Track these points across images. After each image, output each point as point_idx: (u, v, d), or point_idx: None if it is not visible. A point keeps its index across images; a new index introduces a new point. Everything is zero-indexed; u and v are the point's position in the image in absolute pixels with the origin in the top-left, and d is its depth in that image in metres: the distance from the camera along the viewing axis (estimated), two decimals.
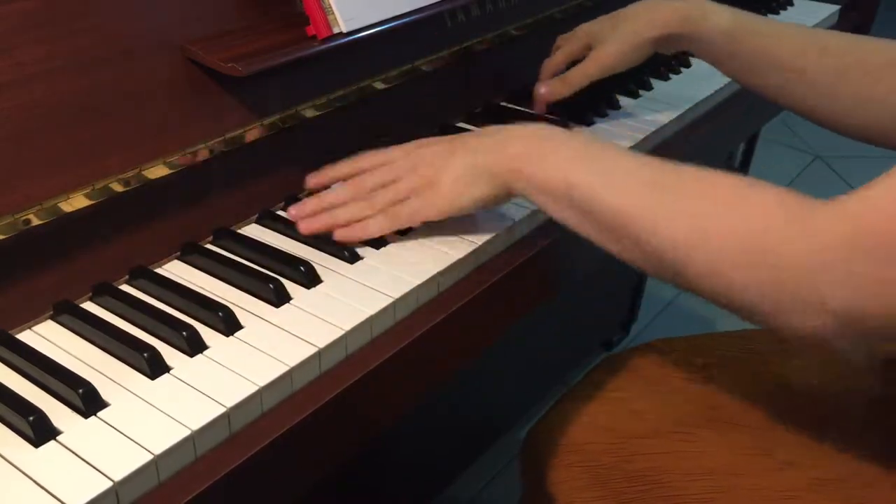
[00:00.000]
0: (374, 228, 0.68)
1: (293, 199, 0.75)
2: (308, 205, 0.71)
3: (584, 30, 0.91)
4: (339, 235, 0.68)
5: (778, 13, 1.28)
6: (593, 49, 0.89)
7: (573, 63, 0.91)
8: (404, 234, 0.70)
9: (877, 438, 0.69)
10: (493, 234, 0.71)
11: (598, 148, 0.65)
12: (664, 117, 0.93)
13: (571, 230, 0.65)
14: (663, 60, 1.05)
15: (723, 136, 1.08)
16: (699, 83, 1.02)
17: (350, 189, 0.70)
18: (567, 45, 0.92)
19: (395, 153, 0.71)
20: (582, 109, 0.92)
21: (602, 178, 0.62)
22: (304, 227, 0.70)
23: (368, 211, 0.69)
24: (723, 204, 0.57)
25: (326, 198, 0.71)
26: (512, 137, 0.67)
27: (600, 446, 0.74)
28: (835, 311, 0.51)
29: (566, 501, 0.74)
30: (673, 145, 0.93)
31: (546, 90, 0.90)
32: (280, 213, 0.74)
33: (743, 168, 2.21)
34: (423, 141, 0.71)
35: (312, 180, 0.74)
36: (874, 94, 0.76)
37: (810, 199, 0.54)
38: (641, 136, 0.88)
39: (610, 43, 0.87)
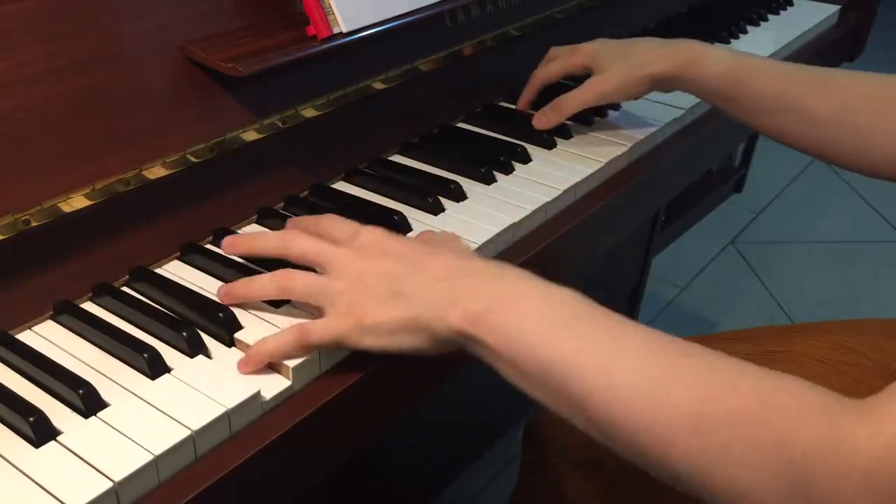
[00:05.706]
0: (272, 343, 0.56)
1: (295, 199, 0.75)
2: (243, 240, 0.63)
3: (587, 50, 0.88)
4: (227, 297, 0.61)
5: (778, 13, 1.28)
6: (594, 73, 0.87)
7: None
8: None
9: None
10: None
11: (571, 310, 0.57)
12: (664, 117, 0.93)
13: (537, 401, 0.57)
14: None
15: (723, 136, 1.08)
16: None
17: (286, 238, 0.60)
18: (565, 59, 0.90)
19: (350, 232, 0.59)
20: None
21: (582, 354, 0.54)
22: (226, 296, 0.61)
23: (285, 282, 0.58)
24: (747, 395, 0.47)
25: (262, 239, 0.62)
26: (463, 288, 0.55)
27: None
28: None
29: (563, 484, 0.75)
30: (674, 145, 0.93)
31: (541, 122, 0.87)
32: (281, 212, 0.74)
33: (743, 168, 2.21)
34: (377, 242, 0.58)
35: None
36: (882, 128, 0.73)
37: (844, 402, 0.44)
38: (641, 137, 0.88)
39: (612, 72, 0.85)
